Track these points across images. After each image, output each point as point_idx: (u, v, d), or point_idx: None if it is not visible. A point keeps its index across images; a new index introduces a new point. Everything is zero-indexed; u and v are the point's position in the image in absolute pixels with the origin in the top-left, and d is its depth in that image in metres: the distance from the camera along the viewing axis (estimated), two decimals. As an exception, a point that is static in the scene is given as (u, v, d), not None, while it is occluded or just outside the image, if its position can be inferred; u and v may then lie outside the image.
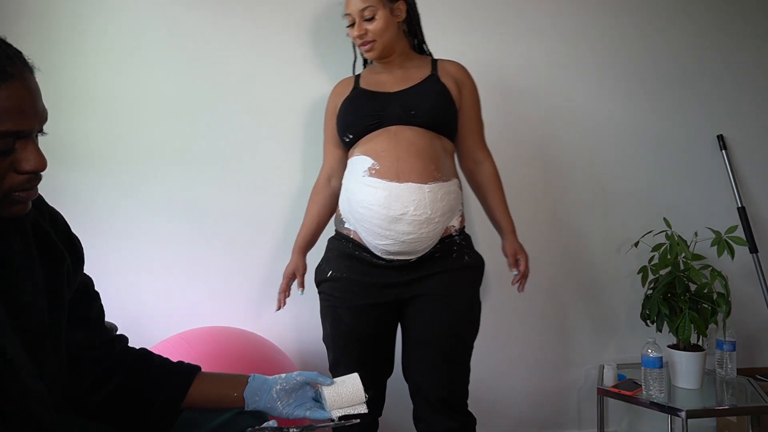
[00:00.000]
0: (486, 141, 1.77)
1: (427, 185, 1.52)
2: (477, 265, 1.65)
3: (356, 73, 1.79)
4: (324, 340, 1.71)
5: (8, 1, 2.00)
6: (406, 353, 1.66)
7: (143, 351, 1.09)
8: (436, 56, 1.78)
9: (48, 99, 2.08)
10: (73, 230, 1.00)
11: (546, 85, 2.27)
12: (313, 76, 2.11)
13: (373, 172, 1.54)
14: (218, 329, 1.86)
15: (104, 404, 1.01)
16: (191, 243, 2.09)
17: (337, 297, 1.62)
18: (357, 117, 1.63)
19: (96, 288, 1.06)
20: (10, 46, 0.78)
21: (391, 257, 1.56)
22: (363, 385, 1.13)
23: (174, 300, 2.06)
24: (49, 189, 2.07)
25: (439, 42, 1.85)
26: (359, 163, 1.58)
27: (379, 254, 1.57)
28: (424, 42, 1.78)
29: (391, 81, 1.67)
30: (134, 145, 2.06)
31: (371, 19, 1.62)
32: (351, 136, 1.64)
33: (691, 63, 2.35)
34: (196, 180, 2.09)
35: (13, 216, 0.83)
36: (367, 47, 1.65)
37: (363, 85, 1.69)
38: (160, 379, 1.05)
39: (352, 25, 1.65)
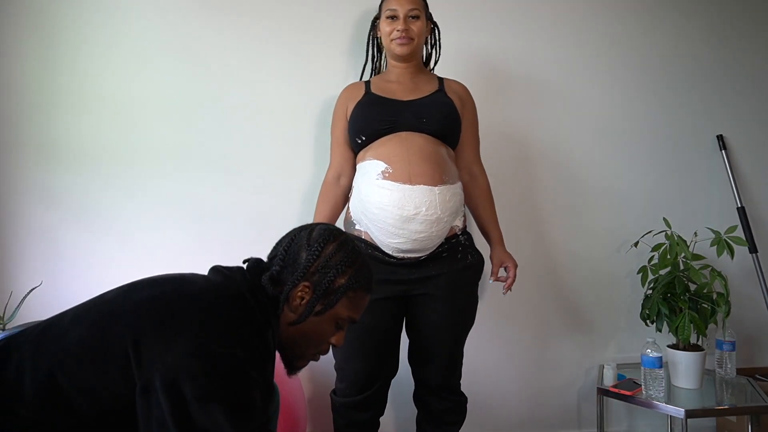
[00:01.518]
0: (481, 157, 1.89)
1: (437, 187, 1.62)
2: (478, 264, 1.77)
3: (364, 80, 1.89)
4: None
5: (9, 1, 2.00)
6: (412, 344, 1.77)
7: None
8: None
9: (49, 99, 2.11)
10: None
11: (546, 86, 2.27)
12: (320, 77, 2.12)
13: (387, 175, 1.63)
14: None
15: None
16: (194, 244, 2.08)
17: None
18: (370, 121, 1.73)
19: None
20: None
21: (402, 255, 1.65)
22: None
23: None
24: (50, 188, 2.08)
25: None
26: (372, 167, 1.67)
27: (390, 252, 1.65)
28: (435, 63, 1.94)
29: (401, 90, 1.78)
30: (137, 146, 2.05)
31: (415, 19, 1.76)
32: (363, 138, 1.73)
33: (691, 63, 2.35)
34: (200, 181, 2.08)
35: (294, 369, 1.18)
36: (404, 41, 1.76)
37: (374, 91, 1.80)
38: None
39: (392, 18, 1.76)
